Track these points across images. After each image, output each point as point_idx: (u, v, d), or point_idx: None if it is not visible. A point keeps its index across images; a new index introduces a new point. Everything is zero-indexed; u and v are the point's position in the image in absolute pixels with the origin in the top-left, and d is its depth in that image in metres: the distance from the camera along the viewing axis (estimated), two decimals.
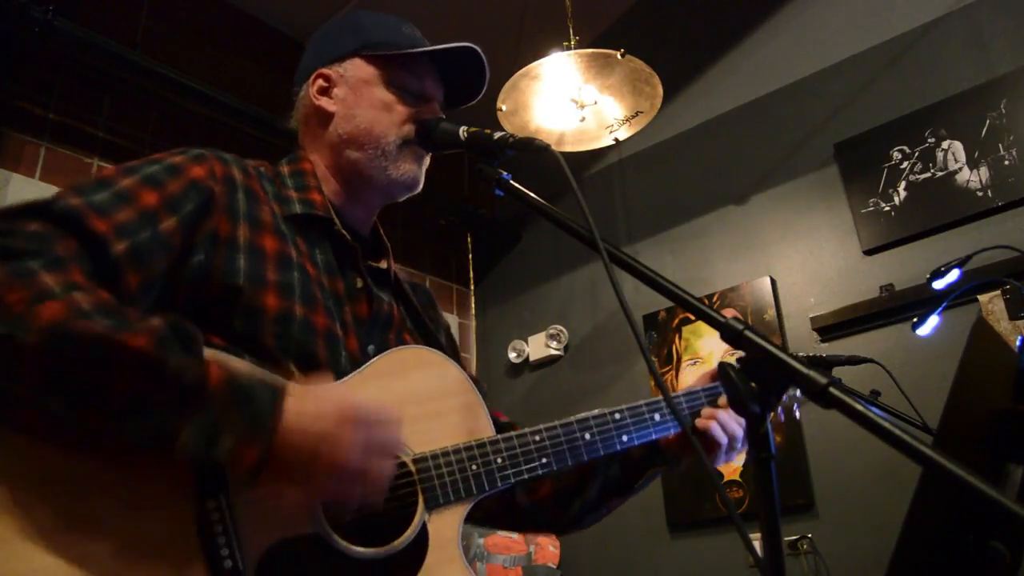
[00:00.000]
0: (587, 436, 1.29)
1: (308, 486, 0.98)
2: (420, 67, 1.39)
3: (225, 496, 0.97)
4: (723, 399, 1.41)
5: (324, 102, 1.37)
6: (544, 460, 1.25)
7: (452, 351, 1.52)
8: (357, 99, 1.36)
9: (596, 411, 1.33)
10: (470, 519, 1.44)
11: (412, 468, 1.14)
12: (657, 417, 1.37)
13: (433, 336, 1.42)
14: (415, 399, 1.20)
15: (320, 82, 1.39)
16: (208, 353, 0.97)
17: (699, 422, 1.39)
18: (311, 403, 0.98)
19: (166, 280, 1.09)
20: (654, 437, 1.37)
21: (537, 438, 1.25)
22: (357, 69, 1.38)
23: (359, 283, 1.31)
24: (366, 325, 1.28)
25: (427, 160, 1.39)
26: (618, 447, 1.32)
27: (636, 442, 1.34)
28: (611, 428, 1.32)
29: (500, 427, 1.44)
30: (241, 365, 0.99)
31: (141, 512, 0.94)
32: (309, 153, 1.40)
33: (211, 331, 1.08)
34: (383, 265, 1.40)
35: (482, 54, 1.40)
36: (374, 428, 1.00)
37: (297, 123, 1.44)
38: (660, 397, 1.38)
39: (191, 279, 1.11)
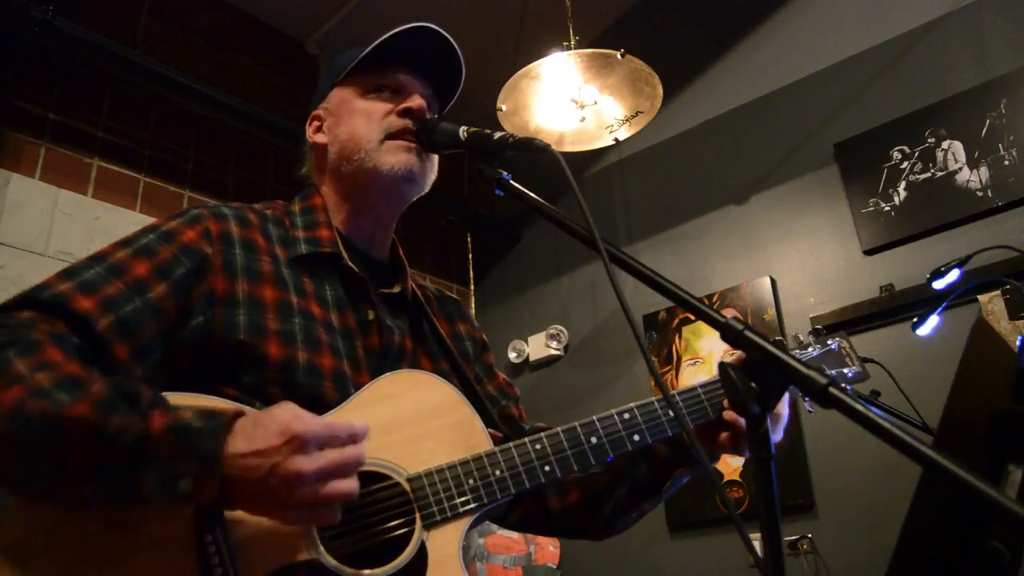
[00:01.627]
0: (593, 440, 1.25)
1: (274, 514, 0.97)
2: (389, 67, 1.42)
3: (222, 529, 1.00)
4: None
5: (318, 137, 1.45)
6: (547, 468, 1.21)
7: (482, 359, 1.52)
8: (339, 120, 1.42)
9: (603, 414, 1.28)
10: (501, 522, 1.43)
11: (407, 487, 1.13)
12: (672, 413, 1.30)
13: (454, 357, 1.41)
14: (407, 420, 1.19)
15: (314, 124, 1.47)
16: (171, 399, 1.01)
17: (727, 414, 1.32)
18: (258, 434, 0.96)
19: (165, 343, 1.13)
20: (670, 434, 1.30)
21: (538, 446, 1.22)
22: (336, 97, 1.44)
23: (371, 315, 1.32)
24: (378, 358, 1.29)
25: (428, 157, 1.38)
26: (629, 447, 1.26)
27: (650, 440, 1.28)
28: (619, 429, 1.27)
29: (534, 431, 1.43)
30: (190, 406, 1.00)
31: (145, 552, 0.98)
32: (320, 189, 1.44)
33: (224, 384, 1.13)
34: (396, 289, 1.40)
35: (445, 33, 1.41)
36: (324, 448, 0.98)
37: (309, 170, 1.50)
38: (674, 392, 1.33)
39: (193, 341, 1.15)
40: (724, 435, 1.33)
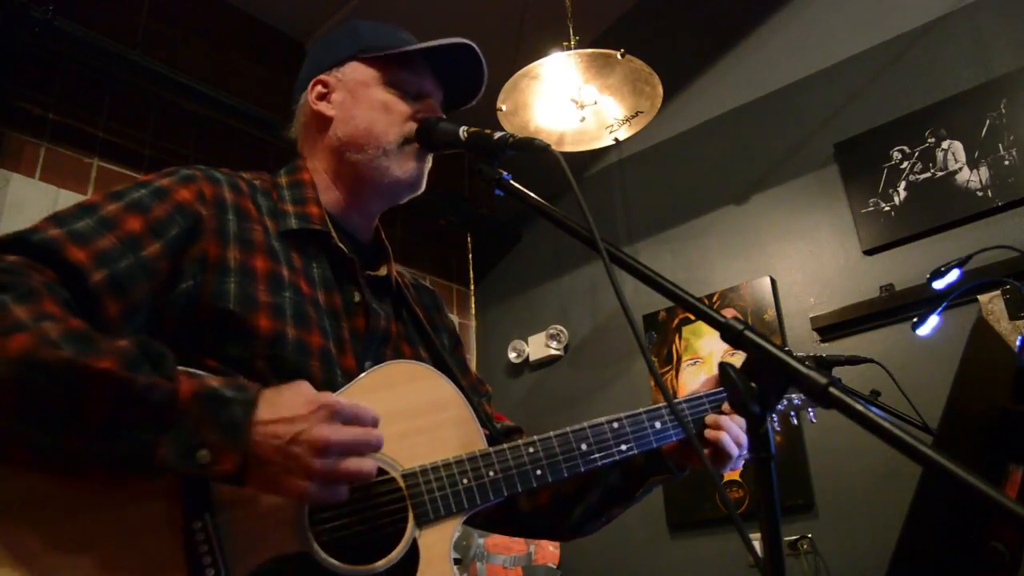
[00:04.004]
0: (583, 447, 1.26)
1: (289, 487, 0.95)
2: (417, 67, 1.39)
3: (211, 516, 0.97)
4: (727, 405, 1.37)
5: (322, 107, 1.38)
6: (539, 472, 1.21)
7: (455, 353, 1.51)
8: (355, 101, 1.36)
9: (593, 421, 1.29)
10: (471, 523, 1.41)
11: (401, 484, 1.12)
12: (658, 425, 1.32)
13: (434, 345, 1.40)
14: (404, 414, 1.17)
15: (319, 88, 1.39)
16: (183, 369, 0.97)
17: (708, 433, 1.34)
18: (284, 403, 0.97)
19: (153, 305, 1.09)
20: (655, 446, 1.32)
21: (531, 450, 1.22)
22: (354, 72, 1.38)
23: (357, 297, 1.30)
24: (363, 340, 1.27)
25: (429, 160, 1.39)
26: (617, 456, 1.28)
27: (636, 451, 1.30)
28: (609, 438, 1.28)
29: (506, 431, 1.41)
30: (215, 378, 0.98)
31: (128, 535, 0.95)
32: (308, 161, 1.40)
33: (206, 355, 1.09)
34: (382, 272, 1.39)
35: (479, 51, 1.40)
36: (346, 406, 1.00)
37: (296, 133, 1.45)
38: (660, 404, 1.34)
39: (180, 305, 1.11)
40: (703, 452, 1.34)
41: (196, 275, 1.13)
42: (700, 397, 1.39)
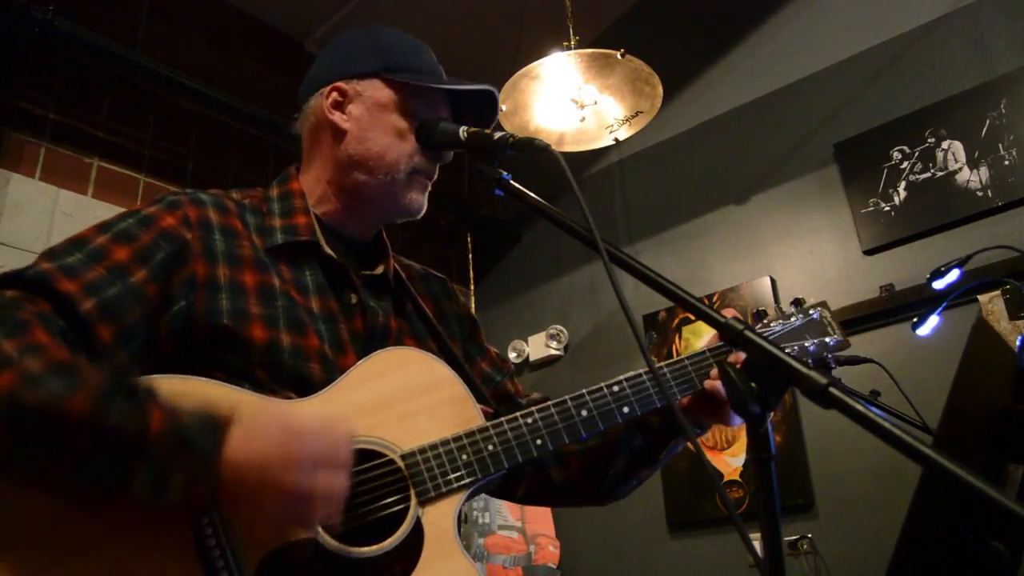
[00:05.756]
0: (584, 413, 1.27)
1: (263, 513, 0.98)
2: (436, 98, 1.39)
3: (217, 510, 1.00)
4: (733, 356, 1.35)
5: (337, 117, 1.35)
6: (539, 442, 1.23)
7: (473, 336, 1.54)
8: (372, 122, 1.35)
9: (592, 387, 1.31)
10: (508, 497, 1.47)
11: (401, 465, 1.15)
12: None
13: (440, 335, 1.41)
14: (399, 397, 1.20)
15: (335, 95, 1.36)
16: (165, 387, 1.01)
17: (708, 383, 1.35)
18: (256, 434, 0.98)
19: (147, 328, 1.13)
20: (658, 405, 1.33)
21: (530, 420, 1.24)
22: (375, 89, 1.36)
23: (353, 298, 1.32)
24: (363, 340, 1.29)
25: (429, 187, 1.41)
26: (619, 420, 1.30)
27: (639, 412, 1.31)
28: (609, 402, 1.30)
29: (531, 404, 1.43)
30: (189, 403, 1.00)
31: (139, 533, 0.98)
32: (308, 166, 1.40)
33: (210, 368, 1.13)
34: (379, 271, 1.40)
35: (498, 96, 1.42)
36: (319, 445, 1.00)
37: (302, 130, 1.43)
38: (662, 363, 1.35)
39: (176, 326, 1.15)
40: (711, 405, 1.36)
41: (187, 295, 1.16)
42: (703, 353, 1.38)
